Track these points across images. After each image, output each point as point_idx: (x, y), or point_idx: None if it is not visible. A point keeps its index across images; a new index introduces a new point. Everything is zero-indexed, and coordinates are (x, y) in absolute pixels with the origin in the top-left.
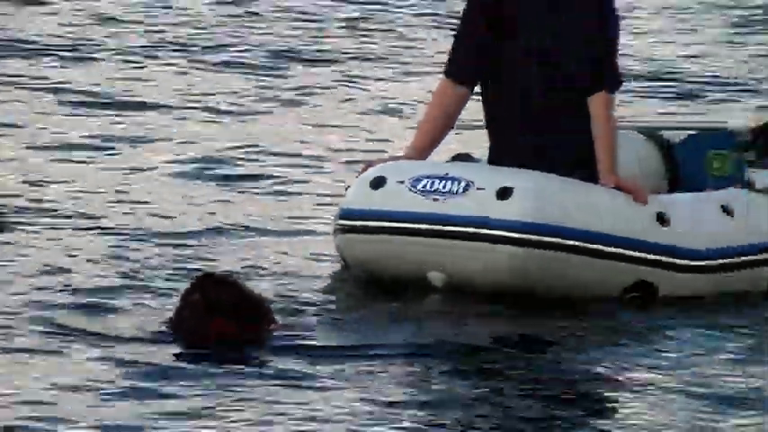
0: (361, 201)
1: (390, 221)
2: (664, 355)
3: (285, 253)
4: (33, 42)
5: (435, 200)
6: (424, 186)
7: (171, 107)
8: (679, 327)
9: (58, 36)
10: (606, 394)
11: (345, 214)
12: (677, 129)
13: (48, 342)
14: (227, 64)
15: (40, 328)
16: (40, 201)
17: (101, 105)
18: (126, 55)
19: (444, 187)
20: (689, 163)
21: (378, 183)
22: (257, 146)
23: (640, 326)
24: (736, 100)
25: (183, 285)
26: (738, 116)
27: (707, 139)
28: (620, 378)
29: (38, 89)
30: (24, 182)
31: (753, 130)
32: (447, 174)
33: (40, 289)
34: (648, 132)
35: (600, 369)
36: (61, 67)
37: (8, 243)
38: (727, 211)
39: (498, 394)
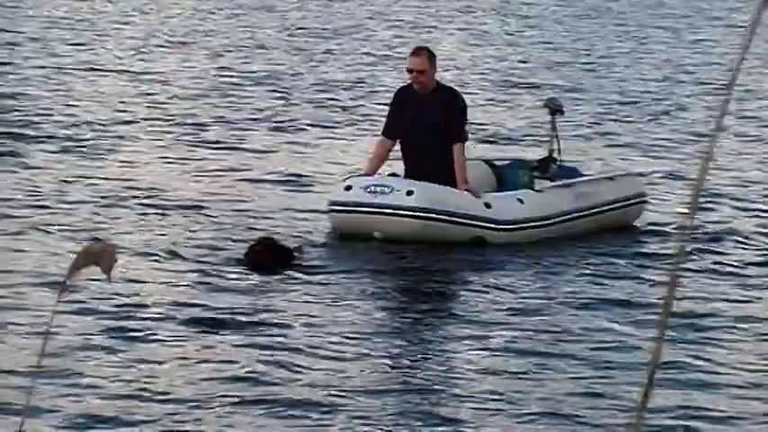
0: (339, 196)
1: (354, 206)
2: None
3: (305, 224)
4: None
5: (376, 195)
6: (371, 189)
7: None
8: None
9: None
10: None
11: (332, 203)
12: (502, 159)
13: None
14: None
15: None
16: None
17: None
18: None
19: (381, 190)
20: (507, 177)
21: (348, 187)
22: (292, 168)
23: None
24: (529, 142)
25: (240, 246)
26: (532, 153)
27: (516, 165)
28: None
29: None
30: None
31: (538, 161)
32: (381, 183)
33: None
34: (486, 161)
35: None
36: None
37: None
38: (521, 201)
39: (422, 294)
